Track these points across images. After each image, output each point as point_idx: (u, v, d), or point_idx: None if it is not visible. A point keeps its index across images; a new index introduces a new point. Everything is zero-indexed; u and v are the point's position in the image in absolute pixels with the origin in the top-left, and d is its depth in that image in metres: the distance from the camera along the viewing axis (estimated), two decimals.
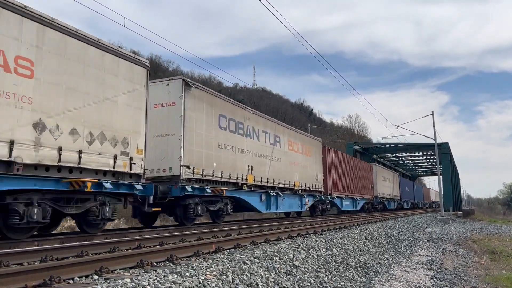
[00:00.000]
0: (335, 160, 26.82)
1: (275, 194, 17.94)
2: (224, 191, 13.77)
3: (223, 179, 14.27)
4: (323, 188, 23.71)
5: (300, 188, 20.55)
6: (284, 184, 18.97)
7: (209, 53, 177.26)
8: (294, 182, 20.03)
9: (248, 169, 16.12)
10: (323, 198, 23.79)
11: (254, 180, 16.30)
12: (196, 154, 12.94)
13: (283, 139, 19.65)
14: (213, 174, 13.65)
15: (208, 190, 13.14)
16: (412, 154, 61.46)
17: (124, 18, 14.30)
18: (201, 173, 13.00)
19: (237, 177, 15.14)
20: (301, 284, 6.45)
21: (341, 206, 26.98)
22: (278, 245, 8.76)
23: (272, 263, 6.78)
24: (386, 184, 41.17)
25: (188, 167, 12.42)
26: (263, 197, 17.11)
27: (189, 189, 12.23)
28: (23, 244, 7.56)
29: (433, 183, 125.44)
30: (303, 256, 7.91)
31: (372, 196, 35.34)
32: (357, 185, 31.05)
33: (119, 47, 10.91)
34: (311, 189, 21.98)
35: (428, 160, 66.21)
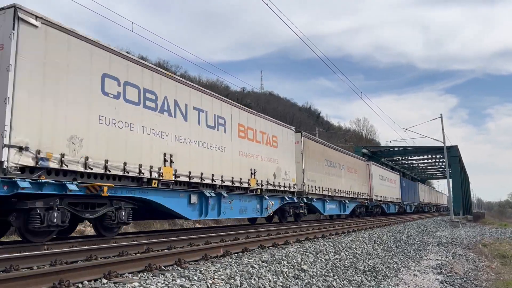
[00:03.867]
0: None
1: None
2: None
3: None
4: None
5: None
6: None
7: (217, 58, 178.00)
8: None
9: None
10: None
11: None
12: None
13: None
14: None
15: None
16: (421, 157, 61.10)
17: (132, 23, 14.52)
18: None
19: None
20: None
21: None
22: (286, 249, 8.75)
23: (280, 267, 6.77)
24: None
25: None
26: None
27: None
28: (33, 248, 7.62)
29: (442, 187, 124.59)
30: (311, 260, 7.88)
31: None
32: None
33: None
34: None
35: (437, 164, 65.76)
